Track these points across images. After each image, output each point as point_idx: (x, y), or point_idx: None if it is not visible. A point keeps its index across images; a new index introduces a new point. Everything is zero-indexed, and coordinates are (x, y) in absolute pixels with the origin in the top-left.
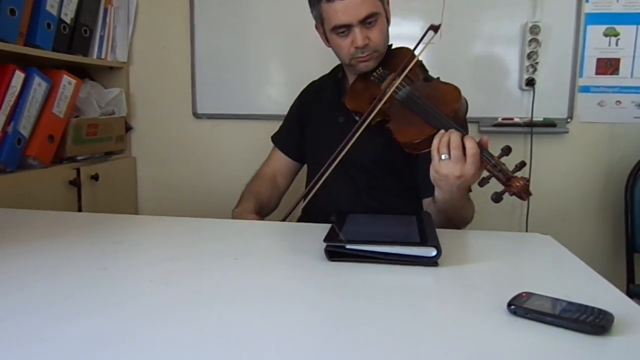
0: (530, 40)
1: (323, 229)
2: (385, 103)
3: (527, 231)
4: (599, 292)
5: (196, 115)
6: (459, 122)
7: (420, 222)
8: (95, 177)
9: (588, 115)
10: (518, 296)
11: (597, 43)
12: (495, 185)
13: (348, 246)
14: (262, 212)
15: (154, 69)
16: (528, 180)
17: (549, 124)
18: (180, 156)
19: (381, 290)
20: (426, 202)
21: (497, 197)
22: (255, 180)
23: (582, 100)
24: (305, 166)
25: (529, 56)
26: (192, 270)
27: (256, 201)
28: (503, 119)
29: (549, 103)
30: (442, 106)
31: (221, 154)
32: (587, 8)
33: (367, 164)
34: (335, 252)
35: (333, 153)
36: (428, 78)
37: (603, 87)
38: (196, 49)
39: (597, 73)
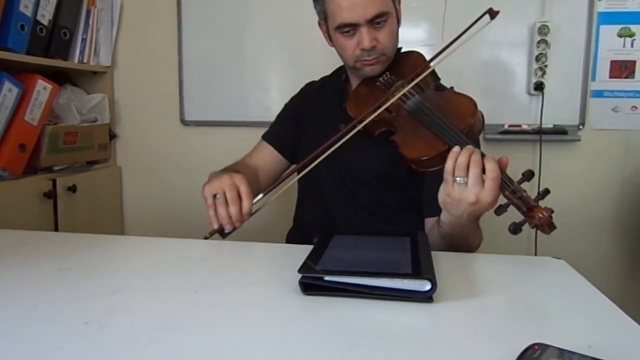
0: (539, 42)
1: (305, 251)
2: (391, 112)
3: (536, 246)
4: (628, 339)
5: (184, 122)
6: (474, 138)
7: (414, 247)
8: (72, 189)
9: (601, 121)
10: (529, 349)
11: (610, 44)
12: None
13: (326, 278)
14: None
15: (140, 73)
16: (553, 212)
17: (559, 131)
18: (167, 165)
19: (363, 333)
20: (429, 223)
21: (515, 229)
22: (235, 164)
23: (595, 106)
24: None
25: (538, 58)
26: (137, 308)
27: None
28: (510, 126)
29: (559, 109)
30: (456, 120)
31: (211, 163)
32: (600, 7)
33: (369, 179)
34: (311, 285)
35: (331, 162)
36: (440, 87)
37: (617, 92)
38: (184, 52)
39: (610, 76)
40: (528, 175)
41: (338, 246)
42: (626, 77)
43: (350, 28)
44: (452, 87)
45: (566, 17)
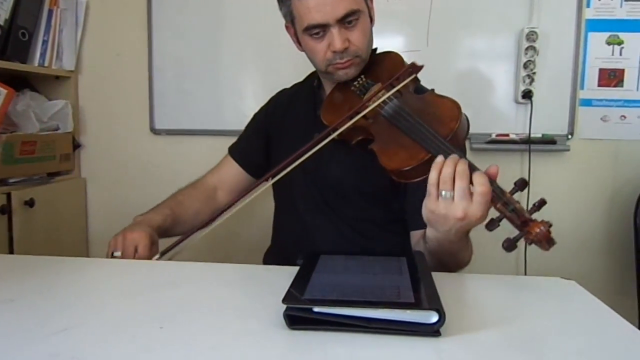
0: (527, 48)
1: (288, 274)
2: (368, 119)
3: (525, 262)
4: None
5: (154, 131)
6: (458, 144)
7: (412, 270)
8: (29, 203)
9: (590, 131)
10: None
11: (599, 52)
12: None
13: (316, 309)
14: (174, 230)
15: (106, 78)
16: (550, 225)
17: (547, 140)
18: (137, 177)
19: None
20: (415, 236)
21: (509, 245)
22: (187, 189)
23: (584, 115)
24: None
25: (526, 66)
26: (87, 352)
27: (170, 214)
28: (497, 135)
29: (547, 118)
30: (439, 125)
31: (183, 174)
32: (588, 14)
33: (349, 192)
34: (298, 318)
35: (307, 175)
36: (420, 88)
37: (606, 101)
38: (154, 57)
39: (599, 85)
40: (521, 184)
41: (326, 269)
42: (615, 86)
43: (319, 29)
44: (432, 90)
45: (554, 23)
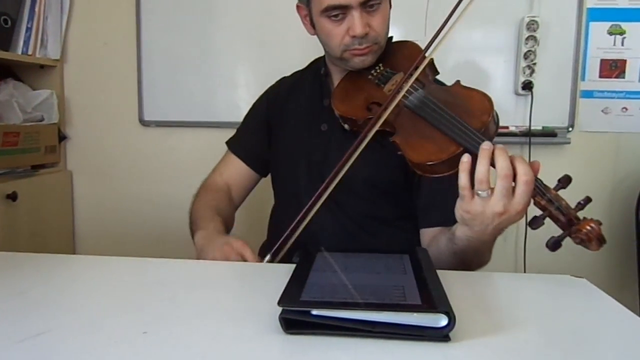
0: (527, 38)
1: (285, 272)
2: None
3: (525, 258)
4: None
5: (143, 123)
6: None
7: (417, 268)
8: (12, 197)
9: (591, 123)
10: None
11: (600, 42)
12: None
13: (314, 312)
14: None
15: (93, 68)
16: (601, 223)
17: (548, 133)
18: (125, 170)
19: None
20: (427, 234)
21: (555, 244)
22: (209, 192)
23: (585, 107)
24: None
25: (526, 56)
26: (63, 358)
27: (223, 220)
28: None
29: (548, 110)
30: (469, 118)
31: (174, 167)
32: (590, 2)
33: (358, 186)
34: (295, 321)
35: (313, 168)
36: (439, 82)
37: (607, 92)
38: (143, 45)
39: (600, 76)
40: (565, 181)
41: (324, 268)
42: (616, 77)
43: (339, 12)
44: (458, 81)
45: (555, 12)
